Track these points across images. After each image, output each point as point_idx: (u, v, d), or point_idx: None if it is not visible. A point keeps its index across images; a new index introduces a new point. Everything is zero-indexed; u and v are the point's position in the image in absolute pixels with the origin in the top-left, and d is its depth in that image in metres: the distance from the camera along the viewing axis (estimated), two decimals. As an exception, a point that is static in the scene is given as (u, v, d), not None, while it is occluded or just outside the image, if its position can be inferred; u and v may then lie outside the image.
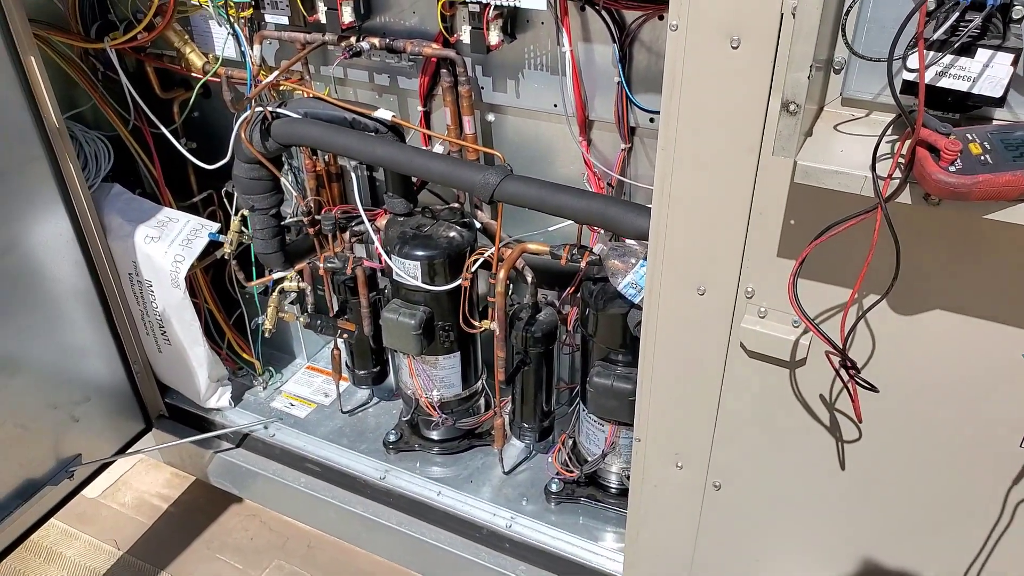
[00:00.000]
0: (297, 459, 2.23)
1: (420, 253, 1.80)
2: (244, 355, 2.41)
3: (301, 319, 1.95)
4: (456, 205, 1.97)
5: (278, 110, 1.78)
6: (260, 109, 1.76)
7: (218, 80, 2.14)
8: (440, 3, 1.71)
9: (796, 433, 1.37)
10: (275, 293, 2.02)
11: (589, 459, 1.92)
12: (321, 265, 1.93)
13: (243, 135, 1.74)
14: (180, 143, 2.25)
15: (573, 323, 1.91)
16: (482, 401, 2.14)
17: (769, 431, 1.40)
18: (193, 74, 2.16)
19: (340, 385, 2.27)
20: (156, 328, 2.19)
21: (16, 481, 2.01)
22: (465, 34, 1.72)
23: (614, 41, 1.62)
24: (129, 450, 2.32)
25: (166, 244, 2.04)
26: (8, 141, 1.82)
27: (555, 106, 1.81)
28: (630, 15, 1.62)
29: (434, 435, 2.15)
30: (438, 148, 1.99)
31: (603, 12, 1.61)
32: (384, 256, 1.83)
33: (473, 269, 1.77)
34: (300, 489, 2.19)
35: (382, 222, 1.98)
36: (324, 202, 2.22)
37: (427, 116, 2.00)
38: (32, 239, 1.90)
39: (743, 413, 1.41)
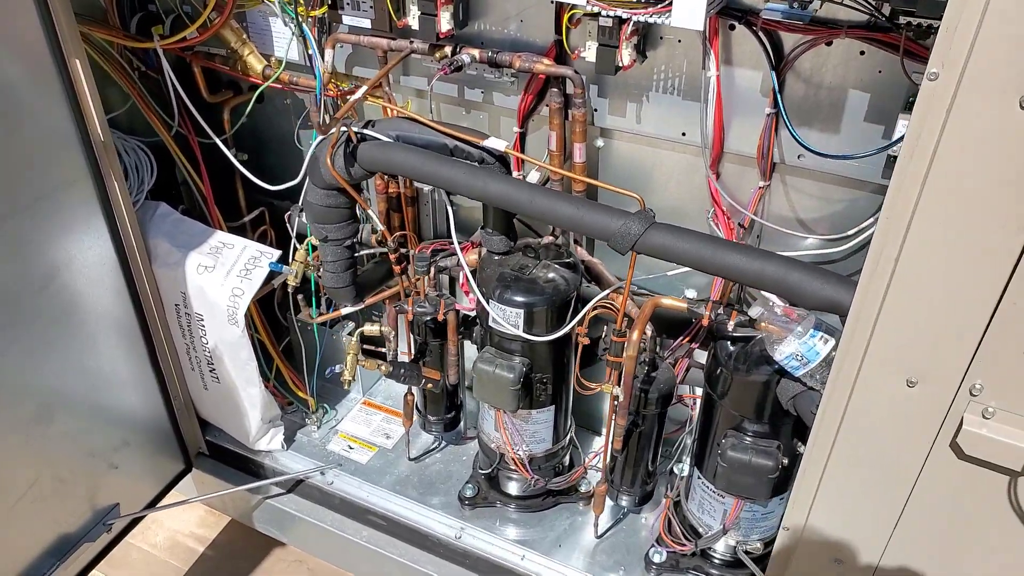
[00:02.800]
0: (359, 510, 2.00)
1: (522, 299, 1.57)
2: (297, 391, 2.17)
3: (383, 368, 1.72)
4: (551, 239, 1.74)
5: (366, 131, 1.55)
6: (345, 129, 1.52)
7: (279, 87, 1.89)
8: (565, 15, 1.48)
9: (1002, 550, 1.17)
10: (354, 339, 1.78)
11: (700, 530, 1.71)
12: (409, 310, 1.69)
13: (328, 160, 1.50)
14: (232, 154, 2.00)
15: (683, 374, 1.69)
16: (568, 455, 1.93)
17: (967, 541, 1.20)
18: (250, 78, 1.91)
19: (409, 431, 2.04)
20: (203, 364, 1.96)
21: (50, 538, 1.78)
22: (589, 51, 1.48)
23: (772, 67, 1.39)
24: (170, 497, 2.09)
25: (222, 275, 1.80)
26: (51, 160, 1.57)
27: (683, 135, 1.58)
28: (790, 39, 1.39)
29: (515, 490, 1.93)
30: (533, 177, 1.76)
31: (760, 34, 1.38)
32: (482, 300, 1.60)
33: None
34: (361, 543, 1.97)
35: (470, 256, 1.75)
36: (395, 229, 1.99)
37: (522, 138, 1.77)
38: (72, 268, 1.66)
39: (936, 518, 1.20)
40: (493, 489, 1.95)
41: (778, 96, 1.40)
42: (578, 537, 1.89)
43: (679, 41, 1.49)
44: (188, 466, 2.17)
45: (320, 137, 1.58)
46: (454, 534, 1.91)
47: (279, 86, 1.88)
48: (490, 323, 1.63)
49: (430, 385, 1.81)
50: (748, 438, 1.52)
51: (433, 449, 2.12)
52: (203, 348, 1.92)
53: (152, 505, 2.06)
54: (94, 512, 1.89)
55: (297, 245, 1.88)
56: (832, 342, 1.28)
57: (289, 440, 2.15)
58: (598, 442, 2.14)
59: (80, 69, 1.56)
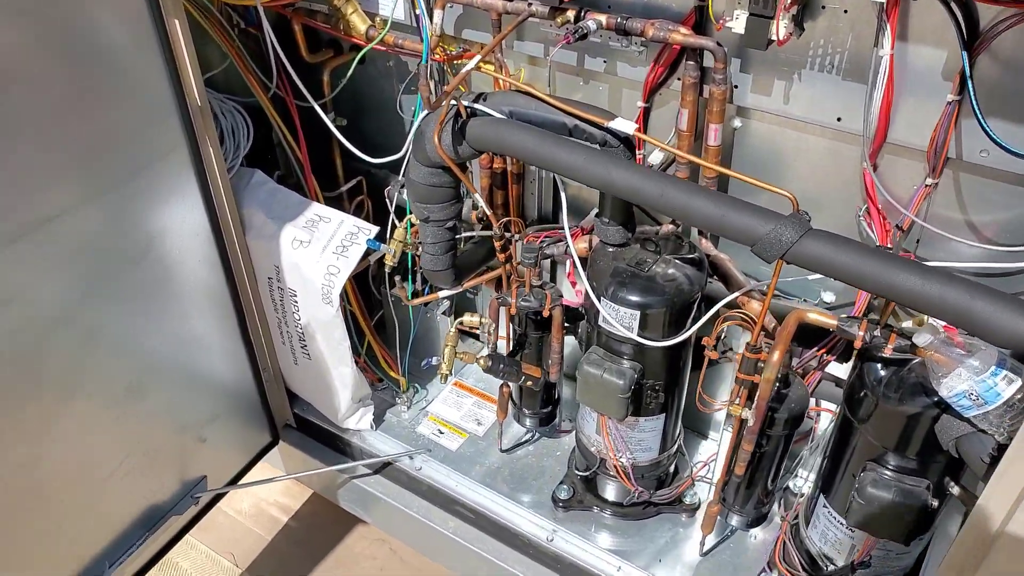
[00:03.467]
0: (447, 500, 1.91)
1: (638, 299, 1.41)
2: (388, 370, 2.08)
3: (481, 361, 1.61)
4: (671, 228, 1.56)
5: (477, 106, 1.40)
6: (454, 104, 1.38)
7: (383, 48, 1.75)
8: (711, -22, 1.28)
9: None
10: (452, 330, 1.66)
11: (820, 562, 1.54)
12: (513, 302, 1.56)
13: (436, 139, 1.36)
14: (330, 120, 1.89)
15: (813, 387, 1.51)
16: (674, 464, 1.78)
17: None
18: (353, 39, 1.78)
19: (503, 423, 1.92)
20: (295, 340, 1.88)
21: (140, 510, 1.76)
22: (736, 21, 1.28)
23: (963, 46, 1.17)
24: (256, 471, 2.06)
25: (317, 251, 1.70)
26: (149, 128, 1.49)
27: (839, 119, 1.37)
28: (990, 12, 1.15)
29: (613, 495, 1.80)
30: (655, 158, 1.58)
31: (952, 4, 1.15)
32: (592, 298, 1.45)
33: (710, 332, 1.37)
34: (447, 534, 1.89)
35: (579, 244, 1.60)
36: (498, 207, 1.85)
37: (646, 113, 1.59)
38: (166, 240, 1.59)
39: None
40: (589, 492, 1.83)
41: (968, 81, 1.17)
42: (680, 552, 1.75)
43: (845, 12, 1.27)
44: (275, 439, 2.12)
45: (426, 111, 1.44)
46: (546, 536, 1.80)
47: (383, 48, 1.74)
48: (600, 322, 1.48)
49: (530, 383, 1.68)
50: (890, 472, 1.33)
51: (526, 441, 2.01)
52: (295, 324, 1.84)
53: (238, 478, 2.03)
54: (182, 484, 1.86)
55: (396, 222, 1.76)
56: (1018, 383, 1.08)
57: (378, 419, 2.07)
58: (705, 446, 1.98)
59: (179, 29, 1.46)
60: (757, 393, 1.30)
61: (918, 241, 1.43)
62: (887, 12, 1.18)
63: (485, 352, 1.63)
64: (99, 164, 1.42)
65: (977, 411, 1.11)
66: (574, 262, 1.47)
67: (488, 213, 1.48)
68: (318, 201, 1.93)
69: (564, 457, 1.95)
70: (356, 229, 1.74)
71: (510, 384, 1.79)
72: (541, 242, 1.54)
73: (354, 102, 2.00)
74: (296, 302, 1.79)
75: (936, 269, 1.04)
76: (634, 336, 1.44)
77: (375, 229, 1.74)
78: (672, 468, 1.78)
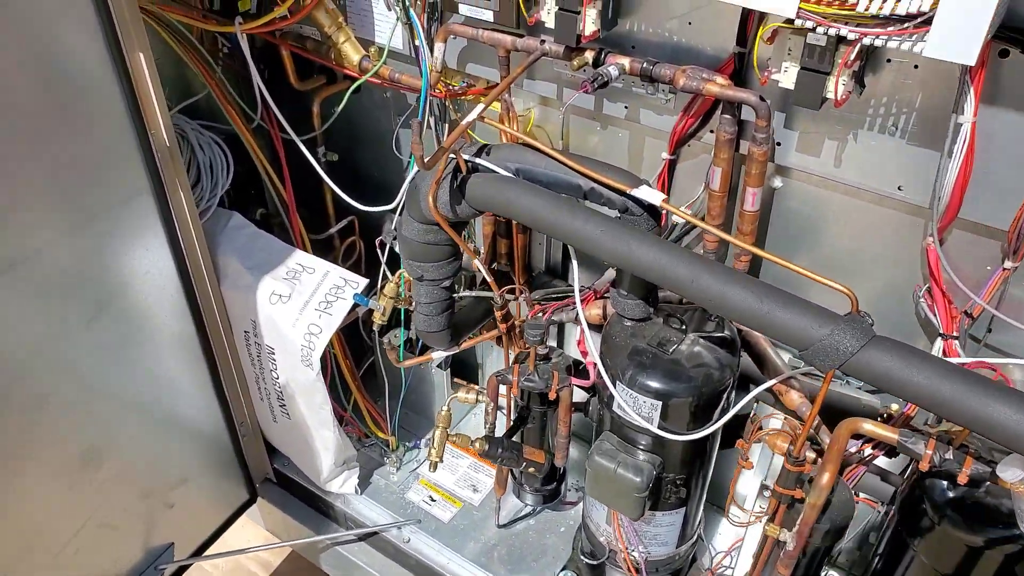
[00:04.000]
0: (437, 577, 1.73)
1: (662, 388, 1.22)
2: (375, 429, 1.89)
3: (477, 445, 1.42)
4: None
5: (479, 161, 1.21)
6: (453, 158, 1.19)
7: (379, 82, 1.57)
8: (757, 25, 1.09)
9: None
10: (444, 410, 1.46)
11: None
12: (515, 380, 1.37)
13: (431, 200, 1.17)
14: (320, 154, 1.71)
15: (855, 481, 1.31)
16: (693, 553, 1.58)
17: None
18: (345, 70, 1.60)
19: (501, 499, 1.73)
20: (273, 398, 1.70)
21: (92, 587, 1.58)
22: (785, 75, 1.09)
23: (1063, 118, 0.97)
24: (235, 529, 1.87)
25: (297, 308, 1.51)
26: (108, 170, 1.31)
27: (899, 188, 1.18)
28: (1095, 76, 0.96)
29: (623, 585, 1.61)
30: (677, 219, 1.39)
31: (1051, 68, 0.96)
32: (607, 382, 1.26)
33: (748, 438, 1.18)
34: (437, 614, 1.71)
35: (592, 311, 1.42)
36: (501, 256, 1.66)
37: (671, 167, 1.39)
38: (130, 291, 1.42)
39: None
40: (596, 580, 1.64)
41: (1066, 159, 0.98)
42: (696, 654, 1.57)
43: (915, 67, 1.08)
44: (253, 496, 1.94)
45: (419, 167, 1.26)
46: (545, 626, 1.61)
47: (378, 81, 1.56)
48: (615, 409, 1.29)
49: (532, 469, 1.49)
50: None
51: (526, 514, 1.82)
52: (273, 382, 1.66)
53: (212, 540, 1.85)
54: (146, 555, 1.68)
55: (388, 274, 1.57)
56: None
57: (364, 479, 1.88)
58: (725, 525, 1.79)
59: (144, 64, 1.28)
60: (801, 518, 1.10)
61: (989, 330, 1.23)
62: (971, 74, 0.99)
63: (482, 435, 1.44)
64: (52, 210, 1.25)
65: (1072, 562, 0.92)
66: (588, 345, 1.28)
67: (489, 280, 1.29)
68: (304, 244, 1.75)
69: (569, 534, 1.77)
70: (342, 282, 1.55)
71: (510, 460, 1.60)
72: (548, 319, 1.35)
73: (347, 134, 1.81)
74: (274, 360, 1.60)
75: (1032, 397, 0.85)
76: (654, 429, 1.25)
77: (363, 282, 1.56)
78: (690, 559, 1.59)
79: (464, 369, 2.01)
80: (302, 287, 1.54)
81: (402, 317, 1.68)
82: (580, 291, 1.39)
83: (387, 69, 1.53)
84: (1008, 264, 1.14)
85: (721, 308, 1.03)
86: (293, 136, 1.61)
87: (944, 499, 1.09)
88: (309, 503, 1.91)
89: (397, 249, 1.54)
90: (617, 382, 1.26)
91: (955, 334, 1.22)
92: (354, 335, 1.90)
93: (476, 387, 1.45)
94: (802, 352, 0.97)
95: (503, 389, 1.43)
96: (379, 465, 1.92)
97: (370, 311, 1.59)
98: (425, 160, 1.13)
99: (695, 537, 1.53)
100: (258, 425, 1.84)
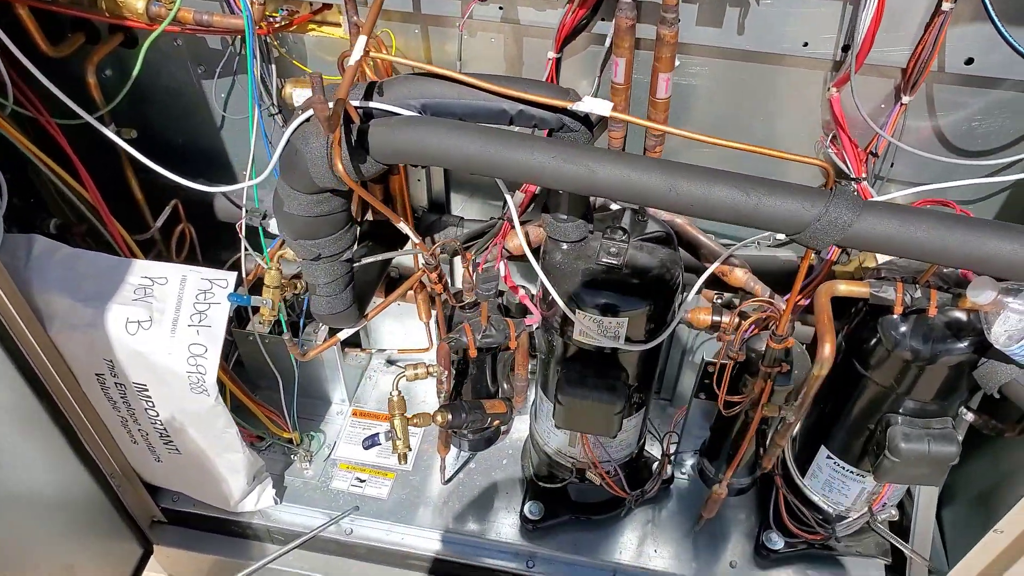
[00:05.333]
0: (395, 557, 1.61)
1: (624, 303, 1.16)
2: (272, 426, 1.66)
3: (439, 418, 1.27)
4: (617, 206, 1.30)
5: (374, 105, 1.02)
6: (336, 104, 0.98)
7: (178, 29, 1.26)
8: None
9: None
10: (396, 395, 1.28)
11: (827, 507, 1.46)
12: (471, 340, 1.22)
13: (337, 164, 0.97)
14: (114, 133, 1.37)
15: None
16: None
17: None
18: (127, 21, 1.26)
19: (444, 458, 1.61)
20: (153, 437, 1.42)
21: None
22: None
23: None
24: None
25: (166, 331, 1.24)
26: None
27: (805, 45, 1.16)
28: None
29: (589, 498, 1.60)
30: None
31: None
32: (568, 312, 1.17)
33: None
34: (406, 591, 1.61)
35: (514, 242, 1.30)
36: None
37: (557, 65, 1.28)
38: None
39: None
40: (562, 503, 1.60)
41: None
42: (670, 535, 1.61)
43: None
44: (148, 547, 1.67)
45: (298, 121, 1.03)
46: (525, 563, 1.57)
47: (177, 28, 1.25)
48: (576, 336, 1.22)
49: (497, 422, 1.38)
50: (913, 419, 1.24)
51: (465, 461, 1.73)
52: (150, 421, 1.38)
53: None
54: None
55: (260, 261, 1.33)
56: (1088, 322, 0.98)
57: (278, 486, 1.67)
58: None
59: None
60: (805, 391, 1.12)
61: (891, 164, 1.30)
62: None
63: (439, 406, 1.30)
64: None
65: (1046, 359, 1.02)
66: (542, 280, 1.17)
67: (416, 241, 1.12)
68: (131, 252, 1.43)
69: (512, 465, 1.71)
70: (207, 284, 1.29)
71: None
72: (488, 263, 1.21)
73: (138, 102, 1.47)
74: (148, 397, 1.32)
75: (1020, 228, 0.89)
76: (622, 345, 1.19)
77: (232, 277, 1.30)
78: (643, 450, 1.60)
79: (347, 334, 1.81)
80: (161, 304, 1.26)
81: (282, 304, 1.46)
82: (495, 222, 1.28)
83: (188, 12, 1.23)
84: (905, 98, 1.19)
85: (707, 211, 0.96)
86: (87, 117, 1.26)
87: (902, 332, 1.16)
88: (218, 531, 1.67)
89: (270, 229, 1.31)
90: (576, 309, 1.18)
91: (864, 176, 1.27)
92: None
93: (424, 362, 1.28)
94: (797, 235, 0.94)
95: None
96: (288, 465, 1.71)
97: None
98: (329, 120, 0.92)
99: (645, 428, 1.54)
100: (132, 471, 1.55)
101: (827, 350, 1.05)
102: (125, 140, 1.41)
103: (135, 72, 1.30)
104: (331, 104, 0.91)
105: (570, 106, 0.99)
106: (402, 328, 1.81)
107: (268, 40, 1.32)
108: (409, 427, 1.25)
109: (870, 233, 0.92)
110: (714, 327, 1.22)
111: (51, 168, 1.36)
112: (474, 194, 1.52)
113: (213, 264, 1.40)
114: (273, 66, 1.36)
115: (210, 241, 1.61)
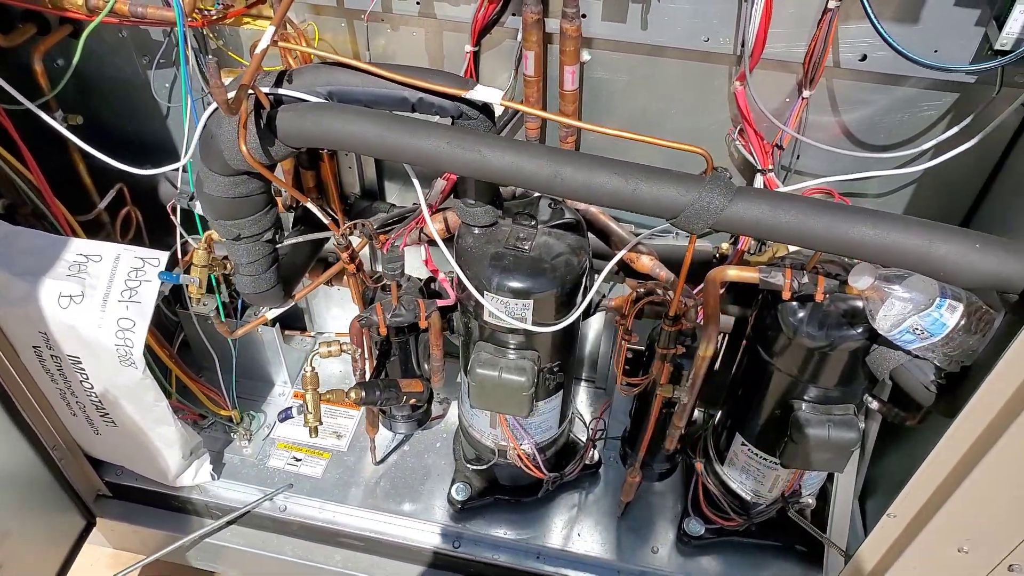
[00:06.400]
0: (327, 534, 1.66)
1: (529, 287, 1.21)
2: (212, 405, 1.71)
3: (353, 395, 1.32)
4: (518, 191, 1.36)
5: (283, 91, 1.07)
6: (251, 92, 1.04)
7: (116, 21, 1.32)
8: None
9: None
10: (310, 371, 1.33)
11: (745, 496, 1.50)
12: (381, 320, 1.28)
13: (242, 147, 1.02)
14: (59, 121, 1.43)
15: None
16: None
17: None
18: (67, 12, 1.32)
19: (375, 438, 1.66)
20: (91, 409, 1.47)
21: None
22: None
23: (846, -52, 1.03)
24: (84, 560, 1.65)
25: (97, 305, 1.30)
26: None
27: (705, 40, 1.21)
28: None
29: (514, 481, 1.64)
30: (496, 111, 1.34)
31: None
32: (476, 295, 1.22)
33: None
34: (336, 569, 1.65)
35: (436, 226, 1.35)
36: (309, 191, 1.52)
37: (475, 58, 1.33)
38: None
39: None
40: (487, 484, 1.65)
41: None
42: (595, 520, 1.65)
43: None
44: (91, 519, 1.72)
45: (213, 106, 1.08)
46: (451, 543, 1.62)
47: (115, 20, 1.31)
48: (486, 318, 1.26)
49: (413, 400, 1.43)
50: (816, 405, 1.28)
51: (400, 443, 1.78)
52: (86, 394, 1.43)
53: (58, 582, 1.62)
54: (-15, 627, 1.44)
55: (189, 241, 1.39)
56: (961, 308, 1.03)
57: (216, 462, 1.73)
58: (584, 390, 1.88)
59: None
60: (693, 372, 1.17)
61: (797, 157, 1.34)
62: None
63: (354, 383, 1.35)
64: None
65: (920, 343, 1.06)
66: (453, 266, 1.23)
67: (326, 221, 1.17)
68: (72, 230, 1.49)
69: (445, 449, 1.76)
70: (139, 262, 1.34)
71: (377, 395, 1.53)
72: (403, 248, 1.26)
73: (85, 91, 1.53)
74: (83, 369, 1.38)
75: (887, 215, 0.93)
76: (529, 327, 1.24)
77: (163, 256, 1.36)
78: (568, 432, 1.65)
79: (291, 318, 1.87)
80: (93, 280, 1.31)
81: (213, 282, 1.51)
82: (416, 208, 1.32)
83: (124, 4, 1.29)
84: (806, 93, 1.24)
85: (589, 196, 1.01)
86: (27, 103, 1.32)
87: (799, 319, 1.20)
88: (160, 505, 1.72)
89: (196, 211, 1.36)
90: (485, 292, 1.23)
91: (771, 167, 1.32)
92: (156, 313, 1.67)
93: (337, 339, 1.34)
94: (673, 220, 0.99)
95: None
96: (228, 443, 1.76)
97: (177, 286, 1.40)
98: (230, 104, 0.98)
99: (571, 413, 1.59)
100: (75, 443, 1.60)
101: (711, 330, 1.10)
102: (70, 126, 1.47)
103: (74, 61, 1.35)
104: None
105: (464, 94, 1.04)
106: (344, 313, 1.86)
107: (204, 32, 1.37)
108: (323, 403, 1.30)
109: (741, 217, 0.97)
110: (618, 312, 1.28)
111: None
112: (408, 182, 1.57)
113: (159, 246, 1.45)
114: (210, 57, 1.41)
115: (157, 225, 1.66)
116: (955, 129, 1.22)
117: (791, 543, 1.60)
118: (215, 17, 1.32)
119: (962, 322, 1.03)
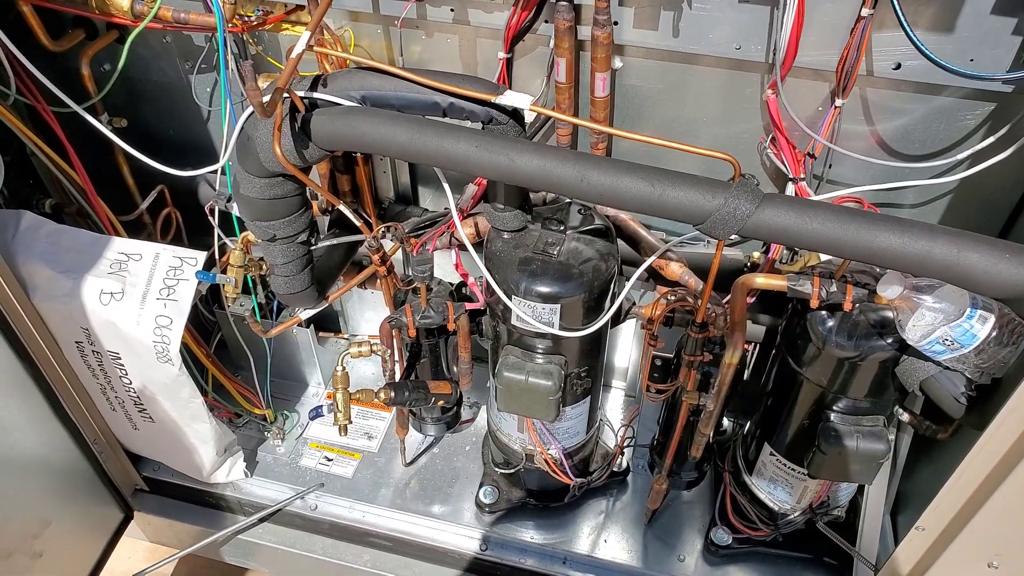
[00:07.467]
0: (356, 534, 1.68)
1: (557, 292, 1.22)
2: (247, 404, 1.75)
3: (382, 395, 1.35)
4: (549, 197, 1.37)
5: (318, 95, 1.10)
6: (286, 96, 1.07)
7: (160, 26, 1.36)
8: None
9: None
10: (341, 370, 1.36)
11: (773, 506, 1.49)
12: (410, 321, 1.30)
13: (277, 149, 1.05)
14: (104, 124, 1.48)
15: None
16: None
17: None
18: (113, 18, 1.37)
19: (404, 439, 1.68)
20: (129, 405, 1.52)
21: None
22: (619, -50, 1.06)
23: (879, -45, 1.03)
24: (121, 552, 1.70)
25: (136, 302, 1.34)
26: None
27: (737, 48, 1.21)
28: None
29: (543, 486, 1.65)
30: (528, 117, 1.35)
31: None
32: (504, 299, 1.24)
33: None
34: (365, 569, 1.67)
35: (466, 231, 1.37)
36: (344, 194, 1.55)
37: (508, 65, 1.35)
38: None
39: None
40: (515, 488, 1.66)
41: (890, -5, 1.04)
42: (621, 526, 1.65)
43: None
44: (128, 513, 1.76)
45: (251, 109, 1.11)
46: (478, 545, 1.63)
47: (159, 26, 1.35)
48: (513, 322, 1.28)
49: (441, 402, 1.45)
50: (846, 416, 1.27)
51: (429, 446, 1.79)
52: (125, 389, 1.47)
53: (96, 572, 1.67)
54: (22, 612, 1.49)
55: (227, 242, 1.42)
56: (992, 319, 1.01)
57: (250, 460, 1.76)
58: (615, 397, 1.88)
59: None
60: (718, 379, 1.17)
61: (829, 166, 1.33)
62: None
63: (383, 385, 1.37)
64: None
65: (951, 354, 1.05)
66: (482, 271, 1.24)
67: (359, 224, 1.20)
68: (115, 229, 1.54)
69: (475, 452, 1.77)
70: (178, 262, 1.38)
71: (408, 398, 1.55)
72: (431, 249, 1.28)
73: (130, 95, 1.58)
74: (122, 365, 1.42)
75: (915, 223, 0.93)
76: (556, 331, 1.25)
77: (201, 257, 1.40)
78: (596, 439, 1.65)
79: (325, 320, 1.90)
80: (133, 278, 1.35)
81: (249, 283, 1.54)
82: (447, 212, 1.34)
83: (168, 10, 1.33)
84: (839, 102, 1.23)
85: (615, 199, 1.02)
86: (74, 106, 1.37)
87: (828, 329, 1.19)
88: (195, 501, 1.76)
89: (233, 212, 1.39)
90: (513, 296, 1.24)
91: (802, 176, 1.31)
92: (193, 313, 1.72)
93: (368, 341, 1.37)
94: (700, 225, 0.99)
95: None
96: (262, 442, 1.80)
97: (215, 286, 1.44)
98: (266, 107, 1.00)
99: (599, 419, 1.59)
100: (115, 438, 1.65)
101: (737, 338, 1.09)
102: (115, 128, 1.52)
103: (120, 66, 1.40)
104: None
105: (493, 99, 1.06)
106: (378, 317, 1.87)
107: (244, 38, 1.41)
108: (353, 403, 1.32)
109: (768, 223, 0.96)
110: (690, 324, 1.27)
111: (45, 152, 1.48)
112: (441, 187, 1.59)
113: (198, 247, 1.49)
114: (250, 62, 1.45)
115: (196, 226, 1.71)
116: (992, 138, 1.20)
117: (819, 555, 1.58)
118: (255, 23, 1.36)
119: (993, 334, 1.01)
